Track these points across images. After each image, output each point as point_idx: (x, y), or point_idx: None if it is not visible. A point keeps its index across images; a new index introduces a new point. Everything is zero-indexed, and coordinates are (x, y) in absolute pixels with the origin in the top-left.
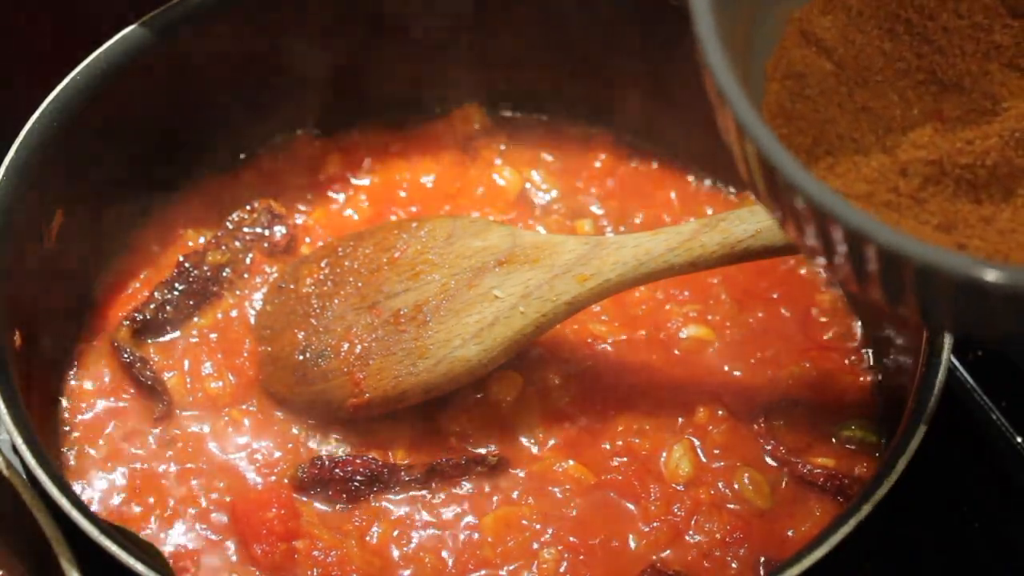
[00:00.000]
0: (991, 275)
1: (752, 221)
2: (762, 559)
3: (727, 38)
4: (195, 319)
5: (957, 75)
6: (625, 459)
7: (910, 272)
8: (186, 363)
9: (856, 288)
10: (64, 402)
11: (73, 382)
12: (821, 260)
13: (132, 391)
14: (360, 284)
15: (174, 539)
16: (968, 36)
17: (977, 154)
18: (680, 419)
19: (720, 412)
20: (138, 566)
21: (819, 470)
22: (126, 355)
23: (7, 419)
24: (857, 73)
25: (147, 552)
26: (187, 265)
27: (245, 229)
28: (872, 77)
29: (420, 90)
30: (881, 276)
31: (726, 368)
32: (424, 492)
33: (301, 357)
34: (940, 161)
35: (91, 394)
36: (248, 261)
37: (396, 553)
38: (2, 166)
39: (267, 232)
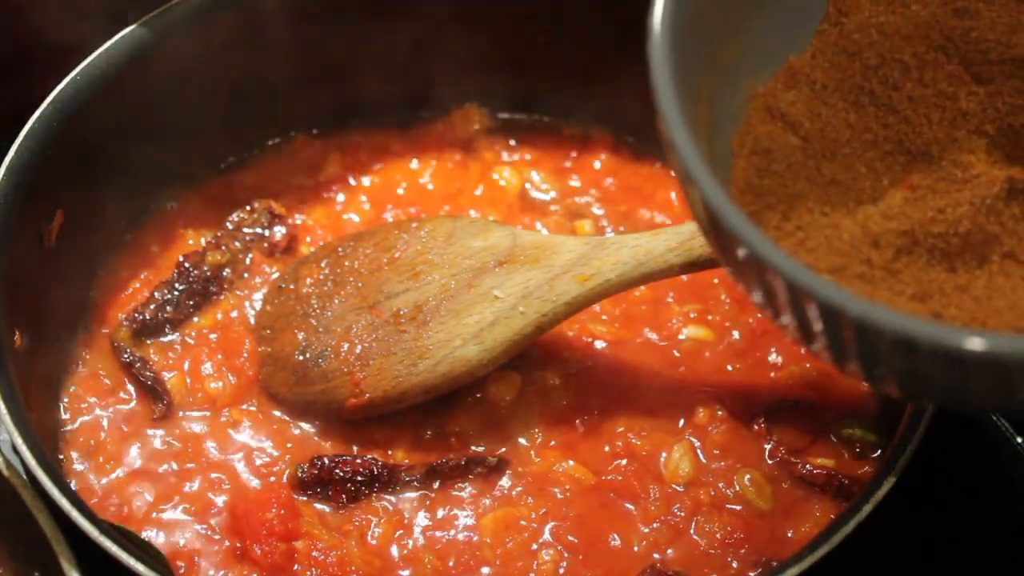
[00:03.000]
0: (969, 343)
1: None
2: (762, 559)
3: (690, 116)
4: (195, 319)
5: (925, 144)
6: (625, 459)
7: (886, 345)
8: (186, 363)
9: (836, 366)
10: (64, 402)
11: (73, 382)
12: (797, 338)
13: (132, 391)
14: (360, 284)
15: (174, 539)
16: (934, 104)
17: (949, 222)
18: (680, 419)
19: (720, 412)
20: (138, 566)
21: (819, 470)
22: (126, 355)
23: (7, 419)
24: (824, 146)
25: (147, 552)
26: (187, 265)
27: (245, 229)
28: (840, 150)
29: (420, 90)
30: (857, 351)
31: (726, 368)
32: (424, 492)
33: (301, 357)
34: (912, 231)
35: (91, 394)
36: (248, 261)
37: (396, 553)
38: (2, 166)
39: (267, 232)
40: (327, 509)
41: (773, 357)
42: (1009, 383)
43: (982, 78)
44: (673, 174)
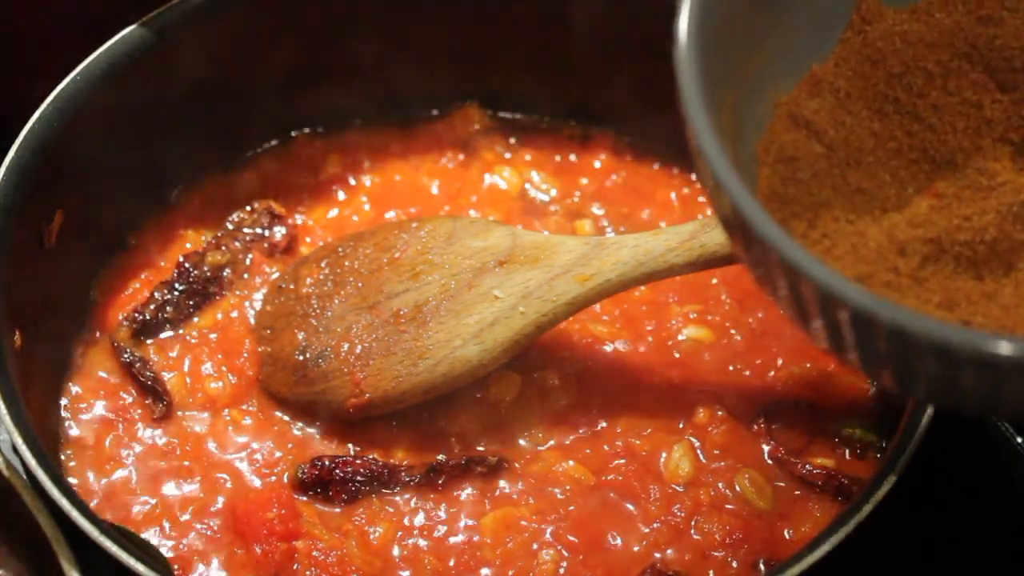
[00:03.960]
0: (1003, 348)
1: None
2: (762, 559)
3: (716, 124)
4: (195, 319)
5: (949, 152)
6: (625, 459)
7: (919, 351)
8: (186, 363)
9: (863, 371)
10: (64, 402)
11: (73, 382)
12: (824, 342)
13: (132, 391)
14: (360, 284)
15: (174, 539)
16: (958, 112)
17: (975, 230)
18: (680, 420)
19: (720, 412)
20: (138, 566)
21: (819, 470)
22: (126, 355)
23: (7, 419)
24: (849, 154)
25: (147, 552)
26: (187, 265)
27: (245, 229)
28: (864, 158)
29: (420, 90)
30: (888, 357)
31: (726, 368)
32: (424, 492)
33: (301, 357)
34: (938, 239)
35: (91, 394)
36: (248, 261)
37: (396, 553)
38: (2, 166)
39: (267, 232)
40: (327, 509)
41: (773, 357)
42: None
43: (1007, 86)
44: (700, 182)
